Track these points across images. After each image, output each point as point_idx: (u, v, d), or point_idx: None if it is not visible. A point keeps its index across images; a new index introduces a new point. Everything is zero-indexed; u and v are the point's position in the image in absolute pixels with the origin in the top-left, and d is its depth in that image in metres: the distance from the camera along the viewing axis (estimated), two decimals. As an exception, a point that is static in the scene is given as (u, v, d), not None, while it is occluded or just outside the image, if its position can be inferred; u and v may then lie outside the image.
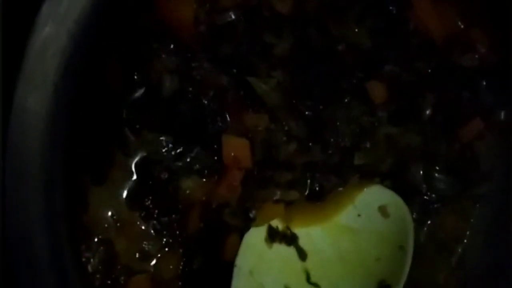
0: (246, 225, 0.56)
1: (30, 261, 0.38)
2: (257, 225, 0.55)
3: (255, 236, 0.55)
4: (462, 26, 0.60)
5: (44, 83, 0.36)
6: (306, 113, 0.58)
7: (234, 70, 0.56)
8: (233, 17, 0.55)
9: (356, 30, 0.58)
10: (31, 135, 0.36)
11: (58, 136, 0.37)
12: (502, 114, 0.60)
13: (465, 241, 0.61)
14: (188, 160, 0.55)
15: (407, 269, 0.53)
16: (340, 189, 0.59)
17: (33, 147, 0.37)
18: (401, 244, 0.55)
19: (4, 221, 0.37)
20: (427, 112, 0.59)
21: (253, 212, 0.56)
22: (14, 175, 0.37)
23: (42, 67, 0.35)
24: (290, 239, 0.56)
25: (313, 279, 0.55)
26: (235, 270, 0.52)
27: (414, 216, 0.59)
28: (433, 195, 0.60)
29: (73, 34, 0.36)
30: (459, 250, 0.61)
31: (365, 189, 0.58)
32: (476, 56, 0.60)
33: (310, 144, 0.58)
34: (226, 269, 0.53)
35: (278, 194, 0.56)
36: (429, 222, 0.60)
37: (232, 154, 0.55)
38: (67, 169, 0.42)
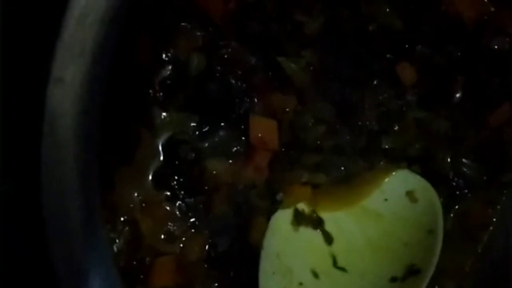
0: (273, 207, 0.54)
1: (65, 235, 0.37)
2: (283, 208, 0.54)
3: (282, 218, 0.54)
4: (492, 9, 0.58)
5: (82, 53, 0.35)
6: (335, 95, 0.56)
7: (263, 50, 0.54)
8: (262, -7, 0.54)
9: (388, 10, 0.57)
10: (66, 106, 0.35)
11: (93, 110, 0.37)
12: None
13: (491, 228, 0.60)
14: (215, 140, 0.54)
15: (437, 253, 0.53)
16: (367, 173, 0.56)
17: (68, 121, 0.36)
18: (430, 228, 0.54)
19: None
20: (457, 96, 0.58)
21: (280, 194, 0.55)
22: (49, 146, 0.36)
23: (81, 35, 0.35)
24: (316, 223, 0.56)
25: (340, 263, 0.55)
26: (263, 252, 0.51)
27: (441, 201, 0.58)
28: (460, 181, 0.60)
29: (112, 2, 0.36)
30: (485, 237, 0.60)
31: (392, 173, 0.57)
32: (507, 40, 0.58)
33: (338, 126, 0.57)
34: (252, 251, 0.53)
35: (305, 177, 0.56)
36: (455, 208, 0.59)
37: (260, 135, 0.54)
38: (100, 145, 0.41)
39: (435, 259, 0.54)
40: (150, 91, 0.54)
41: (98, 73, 0.36)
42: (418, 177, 0.58)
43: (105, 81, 0.37)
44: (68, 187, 0.37)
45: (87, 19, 0.35)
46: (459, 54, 0.60)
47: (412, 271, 0.55)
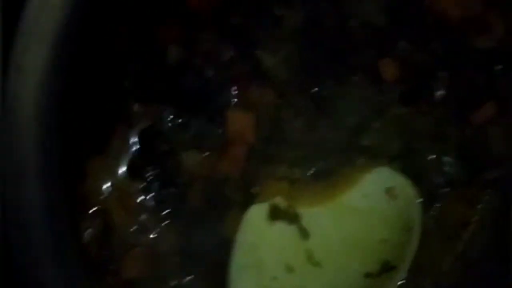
0: (249, 201, 0.53)
1: (25, 226, 0.37)
2: (259, 202, 0.54)
3: (257, 213, 0.54)
4: (479, 8, 0.57)
5: (41, 40, 0.34)
6: (315, 89, 0.55)
7: (242, 43, 0.53)
8: (242, -14, 0.53)
9: (370, 5, 0.55)
10: (26, 93, 0.35)
11: (54, 97, 0.36)
12: (517, 99, 0.57)
13: (472, 227, 0.59)
14: (191, 133, 0.53)
15: (413, 250, 0.52)
16: (347, 169, 0.55)
17: (27, 108, 0.35)
18: (407, 226, 0.54)
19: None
20: (439, 93, 0.57)
21: (256, 188, 0.54)
22: (8, 132, 0.35)
23: (41, 21, 0.34)
24: (293, 218, 0.56)
25: (315, 258, 0.55)
26: (236, 246, 0.50)
27: (421, 199, 0.57)
28: (442, 179, 0.58)
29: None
30: (465, 236, 0.59)
31: (372, 170, 0.56)
32: (492, 39, 0.57)
33: (317, 122, 0.55)
34: (226, 245, 0.52)
35: (282, 171, 0.55)
36: (436, 206, 0.58)
37: (237, 128, 0.54)
38: (65, 136, 0.41)
39: (410, 257, 0.53)
40: (126, 81, 0.53)
41: (60, 61, 0.35)
42: (398, 174, 0.57)
43: (67, 69, 0.36)
44: (27, 173, 0.36)
45: (47, 5, 0.34)
46: (442, 51, 0.59)
47: (387, 268, 0.54)
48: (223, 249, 0.55)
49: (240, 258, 0.54)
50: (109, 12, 0.48)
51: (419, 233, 0.56)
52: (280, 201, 0.57)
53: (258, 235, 0.56)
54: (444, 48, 0.60)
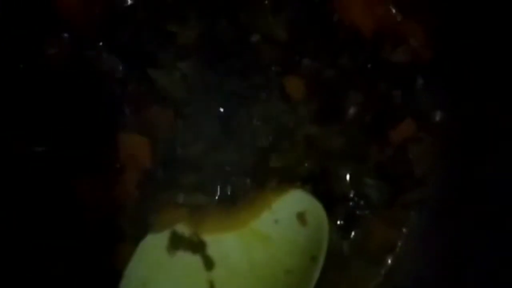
0: (143, 231, 0.49)
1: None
2: (156, 231, 0.49)
3: (153, 243, 0.50)
4: (395, 18, 0.54)
5: None
6: (218, 109, 0.51)
7: (134, 61, 0.50)
8: (131, 1, 0.50)
9: (272, 20, 0.52)
10: None
11: None
12: (438, 115, 0.54)
13: (396, 251, 0.55)
14: (84, 158, 0.49)
15: (316, 279, 0.47)
16: (257, 193, 0.51)
17: None
18: (314, 254, 0.50)
19: None
20: (351, 111, 0.53)
21: (152, 217, 0.49)
22: None
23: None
24: (197, 247, 0.51)
25: (217, 290, 0.49)
26: (123, 282, 0.46)
27: (339, 223, 0.53)
28: (361, 201, 0.55)
29: None
30: (389, 261, 0.54)
31: (283, 193, 0.53)
32: (409, 51, 0.54)
33: (222, 143, 0.51)
34: (116, 279, 0.47)
35: (181, 197, 0.50)
36: (356, 231, 0.54)
37: (130, 152, 0.49)
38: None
39: (312, 286, 0.48)
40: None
41: None
42: (310, 197, 0.54)
43: None
44: None
45: None
46: (354, 66, 0.55)
47: (290, 300, 0.49)
48: (114, 285, 0.50)
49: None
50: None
51: (323, 262, 0.51)
52: (183, 228, 0.53)
53: (153, 269, 0.51)
54: (356, 64, 0.57)
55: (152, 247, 0.52)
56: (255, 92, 0.56)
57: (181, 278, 0.52)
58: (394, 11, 0.58)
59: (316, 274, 0.50)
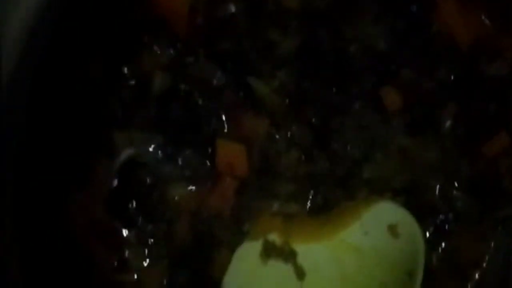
0: (239, 239, 0.49)
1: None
2: (251, 239, 0.49)
3: (248, 251, 0.51)
4: (491, 31, 0.52)
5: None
6: (312, 119, 0.52)
7: (234, 69, 0.49)
8: (234, 9, 0.50)
9: (372, 31, 0.51)
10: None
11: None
12: (533, 129, 0.53)
13: (484, 265, 0.54)
14: (178, 164, 0.49)
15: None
16: (347, 203, 0.51)
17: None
18: (409, 269, 0.49)
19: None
20: (447, 123, 0.53)
21: (247, 225, 0.49)
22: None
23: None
24: (288, 256, 0.52)
25: (310, 300, 0.49)
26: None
27: (427, 236, 0.55)
28: (450, 215, 0.55)
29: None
30: (476, 275, 0.54)
31: (374, 205, 0.53)
32: (506, 64, 0.52)
33: (315, 153, 0.52)
34: (215, 286, 0.47)
35: (276, 206, 0.51)
36: (444, 244, 0.54)
37: (227, 160, 0.50)
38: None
39: None
40: (109, 109, 0.49)
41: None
42: (401, 210, 0.54)
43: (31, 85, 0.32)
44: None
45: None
46: (451, 78, 0.54)
47: (385, 315, 0.49)
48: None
49: (228, 301, 0.49)
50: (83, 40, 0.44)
51: (422, 278, 0.50)
52: (275, 237, 0.53)
53: (248, 276, 0.52)
54: (453, 76, 0.55)
55: (248, 255, 0.53)
56: (350, 102, 0.55)
57: (274, 285, 0.52)
58: (488, 22, 0.56)
59: None
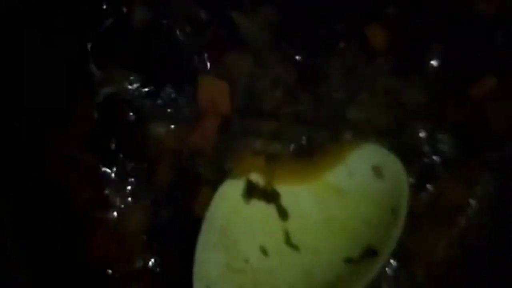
0: (221, 177, 0.48)
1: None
2: (233, 178, 0.49)
3: (230, 189, 0.50)
4: None
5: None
6: (296, 57, 0.50)
7: (216, 3, 0.48)
8: None
9: (357, -34, 0.51)
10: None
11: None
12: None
13: (468, 210, 0.53)
14: (160, 102, 0.48)
15: (397, 235, 0.47)
16: (332, 145, 0.51)
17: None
18: (393, 207, 0.48)
19: None
20: (434, 64, 0.52)
21: (229, 163, 0.49)
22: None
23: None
24: (271, 197, 0.52)
25: (292, 240, 0.50)
26: (205, 224, 0.46)
27: (412, 180, 0.53)
28: (436, 158, 0.54)
29: None
30: (462, 220, 0.53)
31: (358, 146, 0.54)
32: (492, 5, 0.51)
33: (299, 92, 0.50)
34: (196, 224, 0.47)
35: (258, 145, 0.50)
36: (429, 187, 0.53)
37: (209, 97, 0.49)
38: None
39: (393, 242, 0.49)
40: (88, 45, 0.48)
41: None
42: (386, 151, 0.54)
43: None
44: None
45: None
46: (437, 18, 0.53)
47: (369, 253, 0.50)
48: (192, 229, 0.50)
49: (209, 237, 0.50)
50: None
51: (406, 216, 0.50)
52: (257, 177, 0.52)
53: (230, 214, 0.52)
54: (440, 15, 0.54)
55: (230, 193, 0.52)
56: (336, 40, 0.54)
57: (257, 225, 0.53)
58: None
59: (398, 229, 0.49)
